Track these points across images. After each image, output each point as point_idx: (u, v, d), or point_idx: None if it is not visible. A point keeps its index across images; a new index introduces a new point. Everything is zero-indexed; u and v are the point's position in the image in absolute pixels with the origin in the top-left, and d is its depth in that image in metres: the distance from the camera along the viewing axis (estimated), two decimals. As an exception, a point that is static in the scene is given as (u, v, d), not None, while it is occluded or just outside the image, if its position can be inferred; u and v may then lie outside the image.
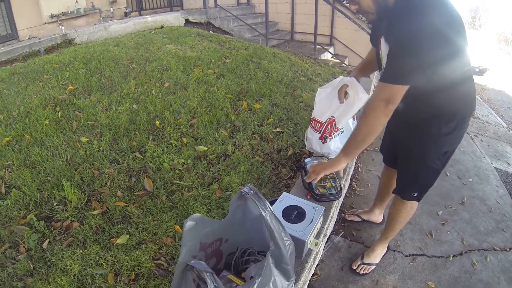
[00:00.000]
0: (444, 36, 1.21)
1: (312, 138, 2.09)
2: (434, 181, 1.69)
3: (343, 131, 2.03)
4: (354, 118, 2.10)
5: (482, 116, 5.14)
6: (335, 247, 2.11)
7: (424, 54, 1.22)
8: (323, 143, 2.04)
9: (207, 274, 0.80)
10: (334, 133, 2.00)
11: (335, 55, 6.27)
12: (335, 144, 2.04)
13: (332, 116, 1.94)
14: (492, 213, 2.52)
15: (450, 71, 1.34)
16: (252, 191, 1.00)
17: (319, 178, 1.63)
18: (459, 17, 1.28)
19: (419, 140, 1.57)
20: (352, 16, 5.76)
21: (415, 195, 1.70)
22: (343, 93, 1.88)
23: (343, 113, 1.93)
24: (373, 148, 3.16)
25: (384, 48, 1.43)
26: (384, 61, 1.46)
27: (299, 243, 1.32)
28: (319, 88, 2.04)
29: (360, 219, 2.30)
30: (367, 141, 1.46)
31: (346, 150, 1.53)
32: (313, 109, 2.09)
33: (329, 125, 1.97)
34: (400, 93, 1.30)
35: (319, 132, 2.02)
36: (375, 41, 1.57)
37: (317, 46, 5.81)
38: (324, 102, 1.99)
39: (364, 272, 1.93)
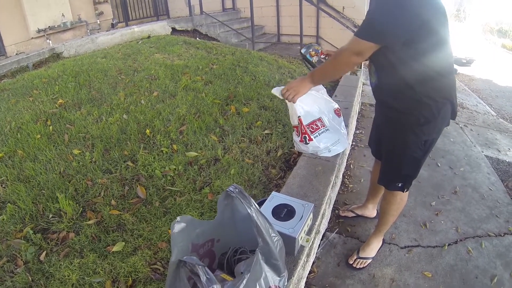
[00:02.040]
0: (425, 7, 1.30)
1: (296, 140, 2.12)
2: (417, 171, 1.72)
3: (328, 129, 2.05)
4: (339, 116, 2.12)
5: (471, 106, 5.20)
6: (330, 243, 2.13)
7: (400, 11, 1.29)
8: (305, 143, 2.06)
9: (199, 267, 0.82)
10: (317, 131, 2.01)
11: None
12: (322, 141, 2.06)
13: (299, 116, 1.96)
14: (485, 200, 2.55)
15: (436, 60, 1.39)
16: (237, 190, 1.02)
17: (298, 96, 1.76)
18: (443, 8, 1.35)
19: (399, 130, 1.61)
20: (336, 16, 5.81)
21: (400, 185, 1.73)
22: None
23: (305, 109, 1.95)
24: (364, 145, 3.19)
25: None
26: None
27: (290, 240, 1.34)
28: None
29: (354, 215, 2.32)
30: (330, 77, 1.70)
31: (313, 76, 1.68)
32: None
33: (301, 125, 1.99)
34: (368, 50, 1.38)
35: (299, 136, 2.05)
36: None
37: (304, 47, 5.84)
38: (290, 106, 2.02)
39: (361, 266, 1.95)
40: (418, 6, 1.27)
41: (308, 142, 1.99)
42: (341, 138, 2.13)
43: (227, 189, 1.04)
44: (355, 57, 1.42)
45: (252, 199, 1.00)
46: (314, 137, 2.00)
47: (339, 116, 2.10)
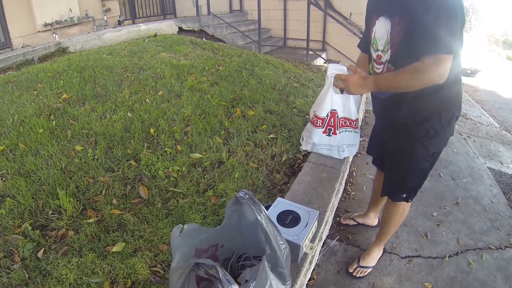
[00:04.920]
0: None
1: (312, 134, 2.10)
2: (422, 183, 1.70)
3: (357, 131, 2.08)
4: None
5: (475, 117, 5.19)
6: (331, 251, 2.11)
7: (459, 14, 1.23)
8: (328, 136, 2.06)
9: (219, 268, 0.81)
10: (345, 127, 2.03)
11: (327, 61, 6.31)
12: (345, 139, 2.08)
13: (333, 110, 1.96)
14: (487, 213, 2.54)
15: (453, 69, 1.34)
16: (247, 196, 1.01)
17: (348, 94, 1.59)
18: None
19: (406, 142, 1.58)
20: (343, 22, 5.81)
21: (404, 196, 1.72)
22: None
23: (347, 104, 1.94)
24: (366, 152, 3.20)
25: (383, 27, 1.41)
26: (378, 44, 1.47)
27: (294, 247, 1.33)
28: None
29: (355, 223, 2.31)
30: (397, 91, 1.45)
31: (378, 83, 1.46)
32: (306, 114, 2.11)
33: (332, 119, 1.98)
34: (450, 64, 1.26)
35: (323, 127, 2.05)
36: (368, 31, 1.57)
37: (310, 52, 5.84)
38: (322, 96, 2.00)
39: (361, 275, 1.93)
40: (461, 9, 1.24)
41: (331, 135, 2.00)
42: (356, 142, 2.16)
43: (237, 195, 1.02)
44: (439, 78, 1.28)
45: (262, 206, 0.99)
46: (339, 133, 2.01)
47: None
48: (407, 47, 1.33)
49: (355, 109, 1.98)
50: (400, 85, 1.38)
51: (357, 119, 2.04)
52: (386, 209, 1.87)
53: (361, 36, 5.30)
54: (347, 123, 2.04)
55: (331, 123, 2.02)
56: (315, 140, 2.18)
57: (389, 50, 1.42)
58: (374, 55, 1.53)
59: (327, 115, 2.01)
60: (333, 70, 1.72)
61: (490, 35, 17.25)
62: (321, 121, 2.04)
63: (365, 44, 1.66)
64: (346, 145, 2.16)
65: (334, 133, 2.07)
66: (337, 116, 1.99)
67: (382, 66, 1.50)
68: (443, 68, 1.25)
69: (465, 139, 3.98)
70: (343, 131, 2.07)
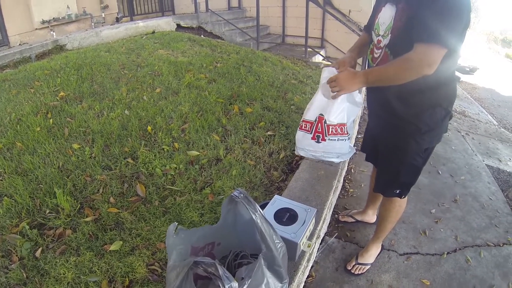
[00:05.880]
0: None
1: (302, 140, 2.06)
2: (415, 178, 1.70)
3: (349, 138, 2.03)
4: (354, 124, 2.08)
5: (473, 114, 5.19)
6: (329, 248, 2.12)
7: (464, 16, 1.22)
8: (317, 142, 2.03)
9: (219, 266, 0.82)
10: (336, 135, 1.96)
11: (326, 58, 6.30)
12: (336, 146, 2.02)
13: (321, 114, 1.92)
14: (485, 210, 2.55)
15: (450, 66, 1.35)
16: (242, 195, 1.00)
17: (341, 94, 1.60)
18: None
19: (399, 137, 1.58)
20: (342, 19, 5.79)
21: (397, 192, 1.71)
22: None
23: (332, 108, 1.89)
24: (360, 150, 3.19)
25: (387, 13, 1.42)
26: (380, 29, 1.47)
27: (291, 245, 1.33)
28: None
29: (353, 220, 2.31)
30: (388, 84, 1.42)
31: (367, 76, 1.47)
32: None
33: (319, 124, 1.94)
34: (441, 57, 1.25)
35: (311, 133, 2.01)
36: (374, 16, 1.56)
37: (308, 49, 5.83)
38: (312, 100, 1.97)
39: (359, 272, 1.94)
40: (468, 12, 1.24)
41: (320, 141, 1.96)
42: (347, 150, 2.11)
43: (232, 194, 1.02)
44: (427, 68, 1.26)
45: (257, 205, 0.99)
46: (328, 139, 1.96)
47: (354, 124, 2.08)
48: (407, 34, 1.32)
49: (343, 114, 1.91)
50: (389, 76, 1.38)
51: (346, 123, 1.97)
52: (382, 205, 1.88)
53: (359, 34, 5.31)
54: (337, 130, 1.97)
55: (319, 129, 1.97)
56: (305, 146, 2.13)
57: (389, 35, 1.42)
58: (375, 40, 1.53)
59: (316, 120, 1.95)
60: (327, 74, 1.71)
61: (489, 33, 17.26)
62: (309, 125, 1.98)
63: (369, 27, 1.65)
64: (337, 153, 2.09)
65: (323, 139, 2.01)
66: (325, 122, 1.93)
67: (380, 50, 1.49)
68: (433, 58, 1.24)
69: (463, 136, 3.98)
70: (333, 139, 2.00)
